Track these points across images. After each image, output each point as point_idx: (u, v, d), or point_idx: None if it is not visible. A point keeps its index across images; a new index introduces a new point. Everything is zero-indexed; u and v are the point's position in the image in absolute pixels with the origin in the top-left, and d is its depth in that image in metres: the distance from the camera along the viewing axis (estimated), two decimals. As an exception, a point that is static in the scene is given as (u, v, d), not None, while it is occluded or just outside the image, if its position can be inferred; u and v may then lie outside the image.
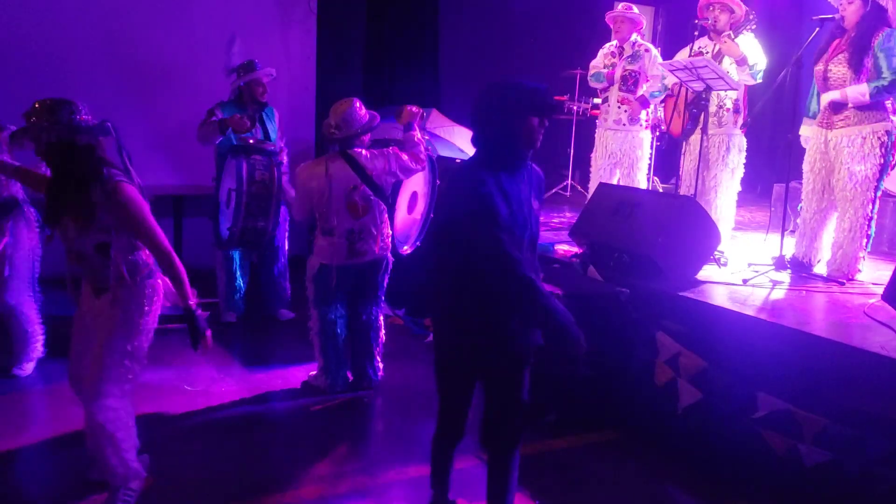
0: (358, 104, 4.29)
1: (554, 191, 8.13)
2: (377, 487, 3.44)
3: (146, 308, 3.07)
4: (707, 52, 5.13)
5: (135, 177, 2.98)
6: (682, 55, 5.34)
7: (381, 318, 4.64)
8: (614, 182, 5.82)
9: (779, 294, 4.29)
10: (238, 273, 5.65)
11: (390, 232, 4.50)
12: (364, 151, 4.31)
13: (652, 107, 6.67)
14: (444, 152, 6.66)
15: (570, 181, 8.19)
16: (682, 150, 5.39)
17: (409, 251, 4.81)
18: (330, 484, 3.44)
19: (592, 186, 6.09)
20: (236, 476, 3.52)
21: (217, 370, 4.74)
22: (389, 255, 4.53)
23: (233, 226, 4.93)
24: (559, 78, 7.40)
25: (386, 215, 4.45)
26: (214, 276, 5.65)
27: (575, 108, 8.13)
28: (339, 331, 4.45)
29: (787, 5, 8.24)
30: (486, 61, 8.46)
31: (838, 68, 4.43)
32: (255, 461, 3.69)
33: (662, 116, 6.79)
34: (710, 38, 5.20)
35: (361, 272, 4.41)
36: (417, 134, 4.48)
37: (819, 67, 4.55)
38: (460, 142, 6.93)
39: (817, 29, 4.54)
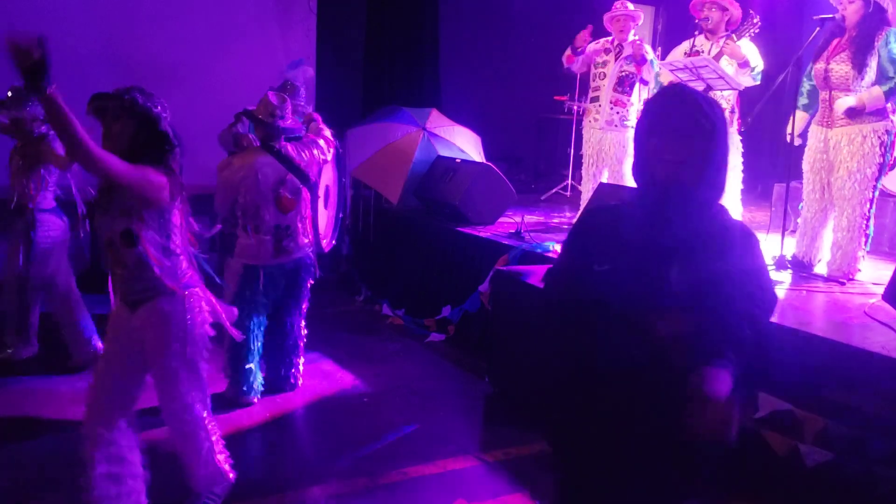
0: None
1: (554, 191, 8.14)
2: (377, 487, 3.43)
3: (192, 319, 2.89)
4: (703, 52, 5.13)
5: None
6: (678, 53, 5.36)
7: (303, 324, 4.47)
8: (603, 180, 5.84)
9: (779, 294, 4.26)
10: None
11: (314, 228, 4.34)
12: (286, 144, 4.17)
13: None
14: (444, 152, 6.64)
15: (570, 181, 8.19)
16: None
17: (327, 248, 4.61)
18: (330, 484, 3.44)
19: (585, 185, 6.13)
20: (236, 476, 3.51)
21: (217, 370, 4.72)
22: (312, 253, 4.35)
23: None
24: (559, 77, 7.40)
25: (309, 210, 4.29)
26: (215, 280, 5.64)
27: (575, 108, 8.12)
28: (260, 342, 4.24)
29: (787, 5, 8.24)
30: (486, 61, 8.46)
31: (840, 67, 4.41)
32: (254, 461, 3.69)
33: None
34: (707, 38, 5.21)
35: (289, 273, 4.25)
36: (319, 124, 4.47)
37: (819, 66, 4.53)
38: (460, 142, 6.91)
39: (817, 28, 4.54)
